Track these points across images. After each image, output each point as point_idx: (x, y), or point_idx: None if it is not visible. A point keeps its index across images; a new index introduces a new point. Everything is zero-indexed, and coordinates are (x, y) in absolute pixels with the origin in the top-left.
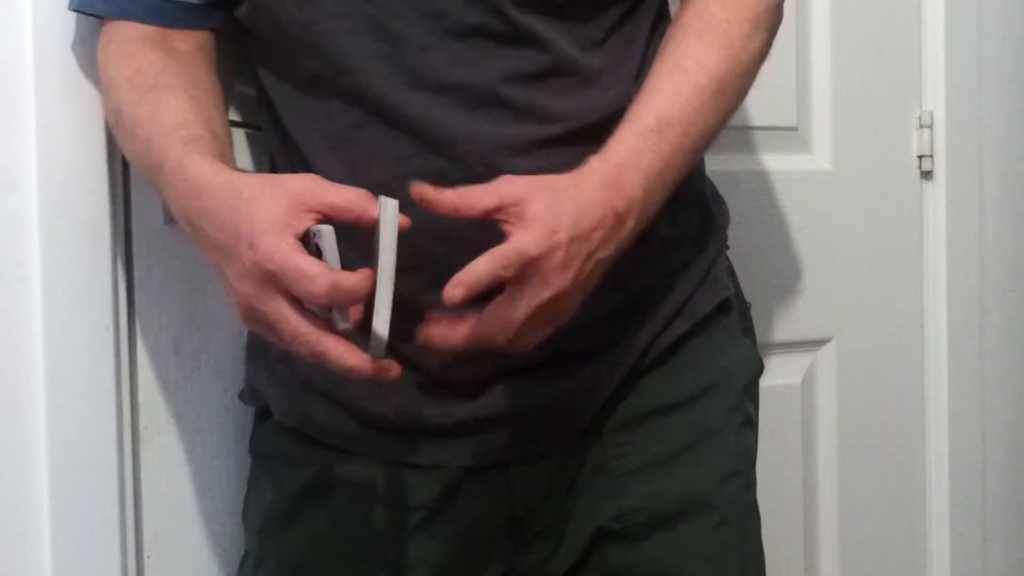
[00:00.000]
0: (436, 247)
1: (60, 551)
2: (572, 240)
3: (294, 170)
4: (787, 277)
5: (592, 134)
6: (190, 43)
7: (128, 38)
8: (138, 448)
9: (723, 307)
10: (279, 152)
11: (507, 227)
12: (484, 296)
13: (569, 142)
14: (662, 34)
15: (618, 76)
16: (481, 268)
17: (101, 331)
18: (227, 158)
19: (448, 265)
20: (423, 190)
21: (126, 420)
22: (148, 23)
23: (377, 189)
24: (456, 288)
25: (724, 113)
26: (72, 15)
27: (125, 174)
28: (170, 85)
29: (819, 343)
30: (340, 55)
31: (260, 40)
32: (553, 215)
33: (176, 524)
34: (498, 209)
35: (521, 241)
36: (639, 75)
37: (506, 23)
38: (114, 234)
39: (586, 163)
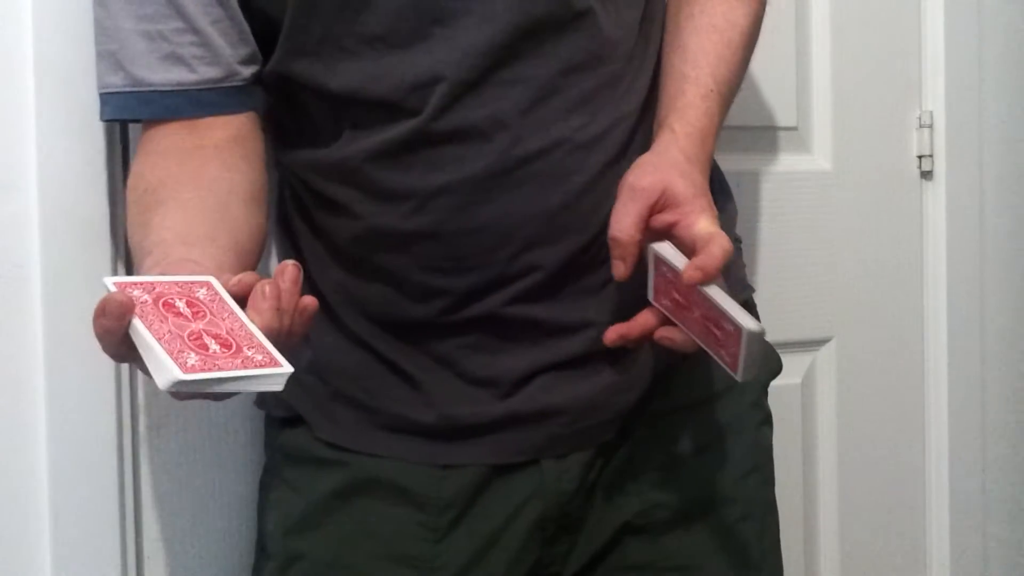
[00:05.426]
0: (486, 244)
1: (60, 551)
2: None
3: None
4: (787, 277)
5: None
6: (229, 131)
7: (153, 149)
8: (138, 448)
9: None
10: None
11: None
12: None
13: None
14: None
15: (643, 66)
16: (716, 252)
17: None
18: (214, 257)
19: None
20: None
21: (126, 420)
22: (187, 117)
23: (439, 192)
24: (696, 271)
25: (747, 66)
26: (72, 15)
27: (125, 174)
28: (162, 201)
29: (819, 343)
30: None
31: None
32: (692, 192)
33: (176, 524)
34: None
35: (700, 224)
36: (655, 75)
37: (566, 7)
38: (114, 234)
39: (671, 130)
